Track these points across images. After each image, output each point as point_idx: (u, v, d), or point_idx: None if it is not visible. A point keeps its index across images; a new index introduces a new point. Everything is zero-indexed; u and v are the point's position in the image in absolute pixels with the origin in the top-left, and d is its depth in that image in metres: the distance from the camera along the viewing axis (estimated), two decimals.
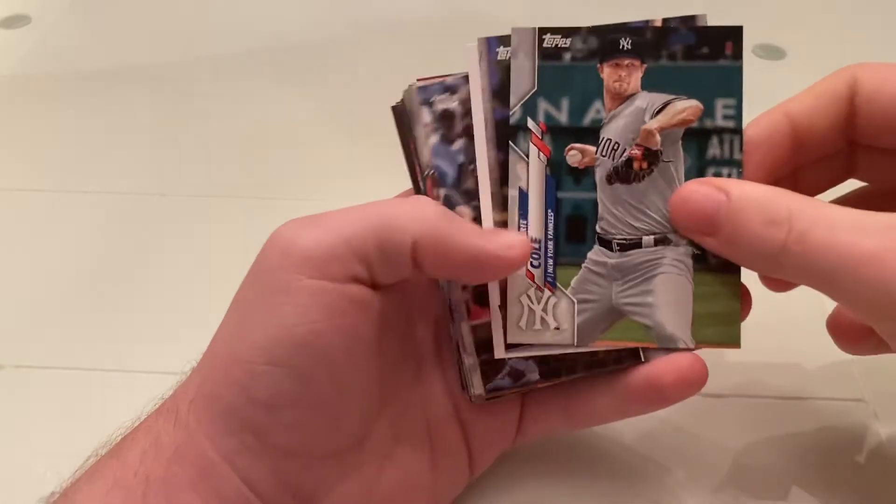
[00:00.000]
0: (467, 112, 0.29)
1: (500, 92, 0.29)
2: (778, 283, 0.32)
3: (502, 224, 0.29)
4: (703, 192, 0.27)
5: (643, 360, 0.29)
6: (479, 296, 0.29)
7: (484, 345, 0.29)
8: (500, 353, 0.29)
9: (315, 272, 0.25)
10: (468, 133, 0.29)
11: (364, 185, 0.38)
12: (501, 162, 0.29)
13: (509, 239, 0.27)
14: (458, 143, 0.29)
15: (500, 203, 0.29)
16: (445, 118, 0.29)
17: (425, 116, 0.29)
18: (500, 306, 0.29)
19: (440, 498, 0.30)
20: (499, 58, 0.29)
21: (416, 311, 0.30)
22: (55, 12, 0.67)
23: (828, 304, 0.41)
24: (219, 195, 0.48)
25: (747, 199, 0.26)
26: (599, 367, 0.29)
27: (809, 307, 0.34)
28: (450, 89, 0.29)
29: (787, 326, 0.40)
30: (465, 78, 0.29)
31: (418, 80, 0.29)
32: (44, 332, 0.40)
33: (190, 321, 0.40)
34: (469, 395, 0.29)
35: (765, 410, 0.36)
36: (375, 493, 0.28)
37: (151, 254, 0.45)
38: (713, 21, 0.29)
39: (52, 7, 0.67)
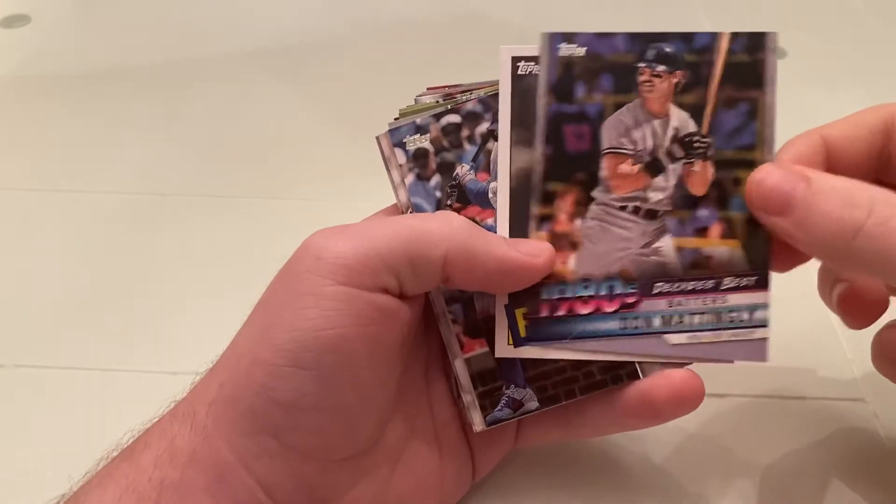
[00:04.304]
0: (438, 150, 0.29)
1: (556, 87, 0.28)
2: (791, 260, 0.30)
3: (544, 217, 0.28)
4: (780, 173, 0.27)
5: (641, 377, 0.29)
6: (471, 328, 0.29)
7: (480, 376, 0.29)
8: (501, 351, 0.28)
9: (346, 279, 0.25)
10: (442, 169, 0.29)
11: (364, 186, 0.38)
12: (549, 156, 0.29)
13: (534, 247, 0.28)
14: (434, 180, 0.29)
15: (541, 197, 0.29)
16: (419, 157, 0.29)
17: (400, 157, 0.29)
18: (505, 305, 0.29)
19: (446, 501, 0.30)
20: (560, 54, 0.28)
21: (427, 315, 0.30)
22: (55, 12, 0.67)
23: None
24: (219, 195, 0.48)
25: (828, 185, 0.26)
26: (597, 389, 0.29)
27: (810, 307, 0.34)
28: (420, 129, 0.29)
29: (787, 326, 0.40)
30: (435, 117, 0.29)
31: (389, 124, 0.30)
32: (44, 332, 0.40)
33: (189, 321, 0.40)
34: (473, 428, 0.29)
35: (765, 410, 0.36)
36: (388, 495, 0.28)
37: (151, 254, 0.45)
38: (707, 25, 0.28)
39: (52, 7, 0.67)
